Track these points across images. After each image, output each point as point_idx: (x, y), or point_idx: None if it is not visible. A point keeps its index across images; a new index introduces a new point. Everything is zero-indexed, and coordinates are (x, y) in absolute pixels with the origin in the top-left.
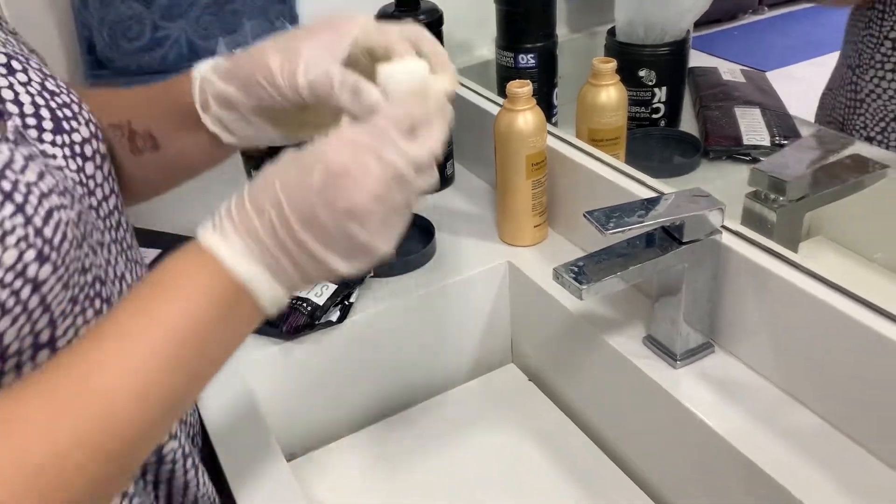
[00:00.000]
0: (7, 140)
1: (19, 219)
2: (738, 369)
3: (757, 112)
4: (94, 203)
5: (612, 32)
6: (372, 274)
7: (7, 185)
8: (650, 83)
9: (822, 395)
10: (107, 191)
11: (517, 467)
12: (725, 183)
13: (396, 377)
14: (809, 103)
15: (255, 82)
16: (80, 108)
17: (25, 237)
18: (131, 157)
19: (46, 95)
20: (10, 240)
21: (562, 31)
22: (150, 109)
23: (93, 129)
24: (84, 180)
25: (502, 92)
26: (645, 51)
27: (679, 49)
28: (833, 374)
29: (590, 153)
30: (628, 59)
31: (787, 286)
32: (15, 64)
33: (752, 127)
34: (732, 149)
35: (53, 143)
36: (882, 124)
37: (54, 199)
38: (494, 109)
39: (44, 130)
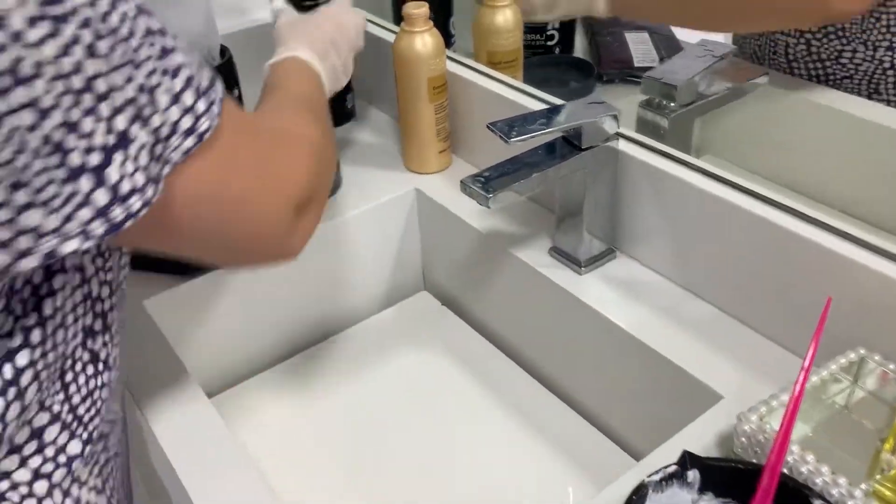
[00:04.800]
0: None
1: None
2: (640, 270)
3: (646, 36)
4: None
5: None
6: None
7: None
8: None
9: (716, 287)
10: None
11: (436, 389)
12: (620, 104)
13: (309, 310)
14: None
15: None
16: None
17: None
18: None
19: None
20: None
21: None
22: None
23: None
24: None
25: (397, 21)
26: None
27: None
28: (726, 265)
29: (489, 75)
30: None
31: (682, 186)
32: None
33: (642, 50)
34: (625, 71)
35: None
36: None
37: None
38: (392, 38)
39: None
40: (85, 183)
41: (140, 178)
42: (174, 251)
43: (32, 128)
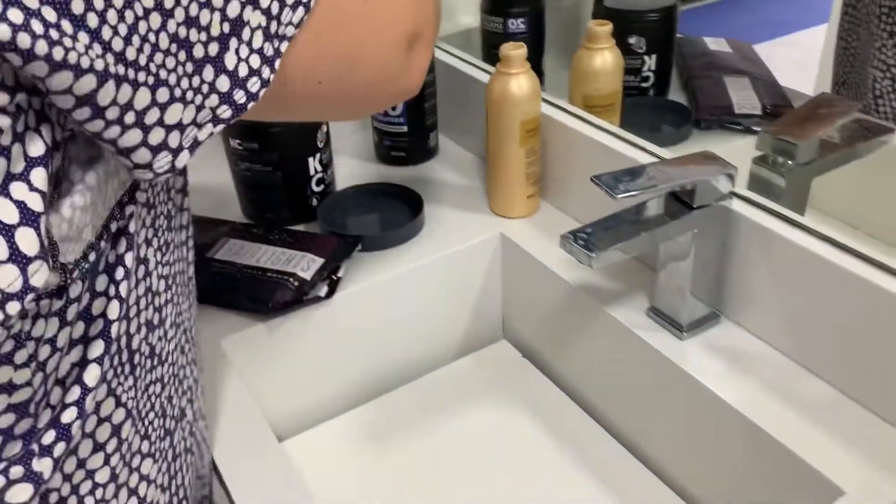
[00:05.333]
0: None
1: None
2: (747, 339)
3: (746, 81)
4: None
5: None
6: (360, 248)
7: None
8: (640, 51)
9: (832, 363)
10: None
11: (513, 445)
12: (719, 153)
13: (386, 354)
14: (787, 78)
15: None
16: None
17: None
18: None
19: None
20: None
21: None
22: None
23: None
24: None
25: (489, 60)
26: (634, 17)
27: (669, 15)
28: (844, 340)
29: (585, 119)
30: (618, 25)
31: (798, 251)
32: None
33: (743, 96)
34: (724, 118)
35: None
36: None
37: None
38: (481, 76)
39: None
40: (208, 72)
41: (255, 61)
42: (297, 118)
43: (161, 28)
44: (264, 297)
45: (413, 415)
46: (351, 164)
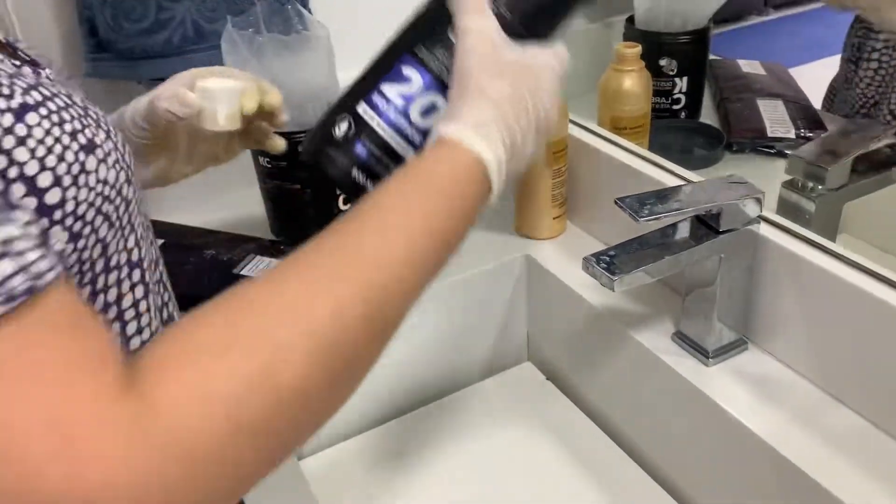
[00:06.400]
0: (58, 80)
1: (110, 143)
2: (774, 366)
3: (780, 104)
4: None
5: (630, 20)
6: None
7: (93, 114)
8: (671, 73)
9: (863, 393)
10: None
11: (535, 467)
12: (751, 176)
13: (408, 375)
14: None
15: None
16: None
17: (118, 160)
18: None
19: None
20: (110, 160)
21: (577, 20)
22: None
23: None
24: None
25: None
26: (666, 39)
27: (701, 37)
28: (875, 369)
29: (613, 141)
30: (648, 47)
31: (828, 278)
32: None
33: (776, 119)
34: (757, 141)
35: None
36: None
37: (120, 133)
38: None
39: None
40: None
41: None
42: None
43: None
44: None
45: (435, 435)
46: None
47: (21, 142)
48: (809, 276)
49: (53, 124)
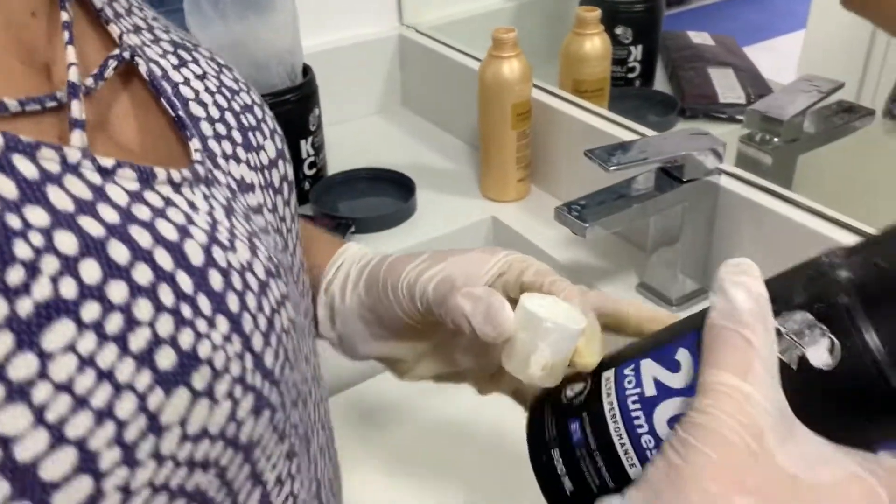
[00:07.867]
0: (198, 181)
1: (237, 344)
2: None
3: (730, 72)
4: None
5: None
6: (353, 230)
7: (218, 280)
8: (626, 41)
9: None
10: (294, 239)
11: (501, 423)
12: None
13: None
14: (777, 70)
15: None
16: (263, 111)
17: (242, 377)
18: None
19: (227, 94)
20: (221, 387)
21: None
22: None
23: (279, 143)
24: (278, 225)
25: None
26: (621, 7)
27: (654, 6)
28: None
29: (576, 103)
30: (605, 16)
31: (786, 224)
32: (183, 53)
33: (727, 85)
34: (709, 107)
35: (249, 165)
36: None
37: (275, 289)
38: (472, 64)
39: (236, 144)
40: None
41: None
42: None
43: None
44: None
45: (404, 398)
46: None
47: None
48: (767, 223)
49: None
